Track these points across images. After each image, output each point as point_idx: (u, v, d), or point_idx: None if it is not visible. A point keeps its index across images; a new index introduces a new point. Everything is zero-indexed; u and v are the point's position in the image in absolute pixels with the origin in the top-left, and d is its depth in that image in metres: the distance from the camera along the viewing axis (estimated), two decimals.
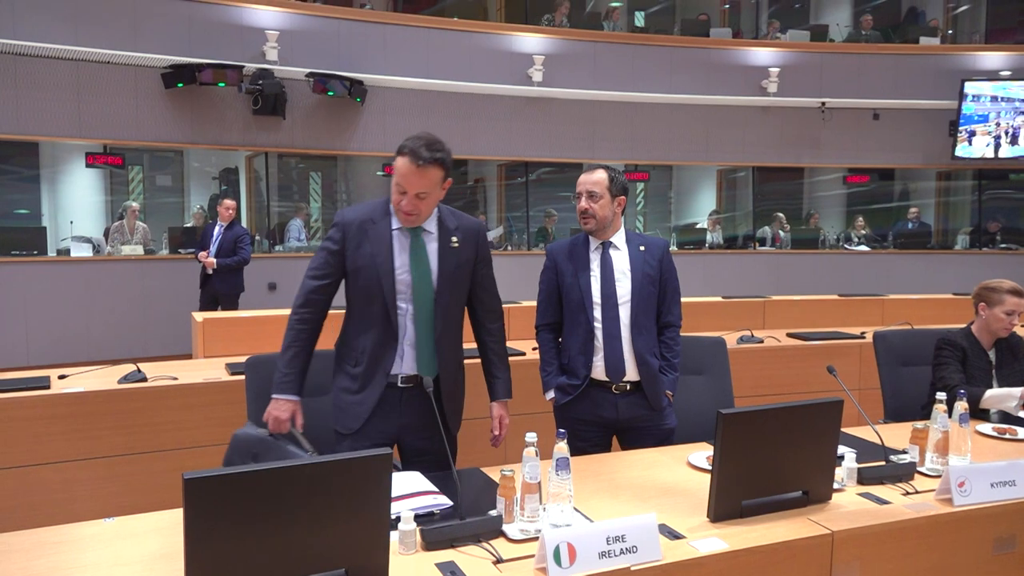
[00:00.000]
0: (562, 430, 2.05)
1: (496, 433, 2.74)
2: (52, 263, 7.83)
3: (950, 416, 2.50)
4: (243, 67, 8.20)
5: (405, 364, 2.56)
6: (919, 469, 2.48)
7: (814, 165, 11.36)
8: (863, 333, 5.35)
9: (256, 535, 1.58)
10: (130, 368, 3.83)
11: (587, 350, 2.83)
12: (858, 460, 2.48)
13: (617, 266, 2.87)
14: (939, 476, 2.35)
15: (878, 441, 2.61)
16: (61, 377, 3.74)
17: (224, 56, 8.20)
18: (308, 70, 8.52)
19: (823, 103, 10.47)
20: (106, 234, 8.59)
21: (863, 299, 7.47)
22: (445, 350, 2.60)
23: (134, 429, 3.62)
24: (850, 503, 2.22)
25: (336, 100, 8.77)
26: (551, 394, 2.90)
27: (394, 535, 1.86)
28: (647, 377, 2.86)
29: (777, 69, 10.29)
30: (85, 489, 3.50)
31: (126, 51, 7.85)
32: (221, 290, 7.39)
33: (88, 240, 8.21)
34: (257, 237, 9.50)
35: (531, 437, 2.02)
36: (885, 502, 2.23)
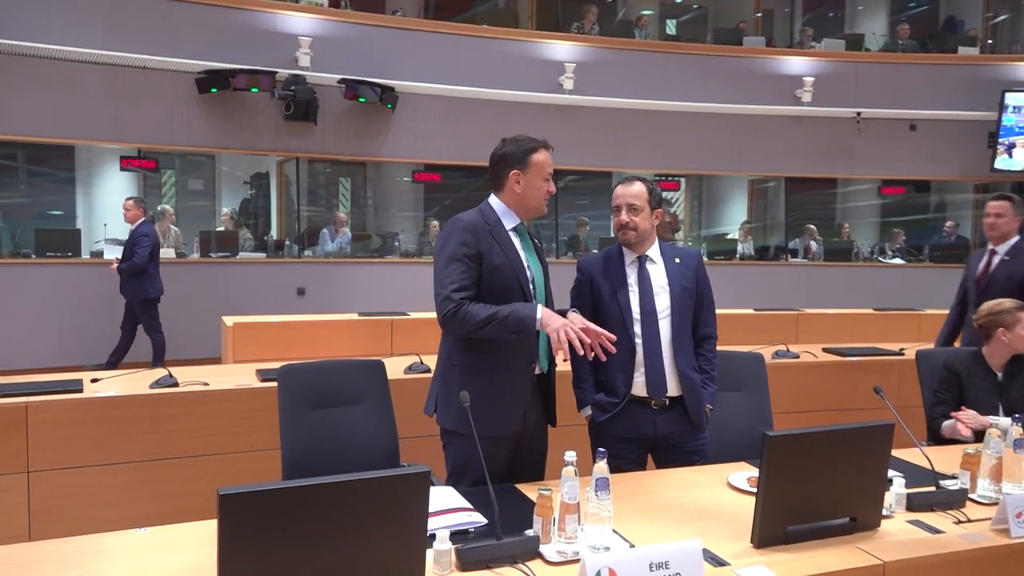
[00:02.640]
0: (602, 449, 1.99)
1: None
2: (85, 265, 7.91)
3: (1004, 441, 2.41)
4: (276, 73, 8.25)
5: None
6: (971, 496, 2.39)
7: (848, 176, 11.19)
8: (902, 349, 5.23)
9: (291, 552, 1.54)
10: (162, 373, 3.83)
11: (627, 367, 2.76)
12: (906, 485, 2.39)
13: (655, 280, 2.81)
14: (993, 504, 2.27)
15: (927, 465, 2.52)
16: (94, 380, 3.75)
17: (257, 62, 8.26)
18: (340, 76, 8.55)
19: (858, 113, 10.31)
20: None
21: (900, 313, 7.33)
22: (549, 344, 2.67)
23: (165, 434, 3.62)
24: (900, 531, 2.14)
25: (367, 106, 8.79)
26: (587, 411, 2.84)
27: (429, 553, 1.81)
28: (689, 392, 2.79)
29: (811, 78, 10.16)
30: (116, 494, 3.50)
31: (161, 56, 7.93)
32: (126, 296, 7.20)
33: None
34: (287, 242, 9.55)
35: (570, 456, 1.96)
36: (937, 531, 2.14)
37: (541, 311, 2.43)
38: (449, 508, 2.19)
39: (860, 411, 4.49)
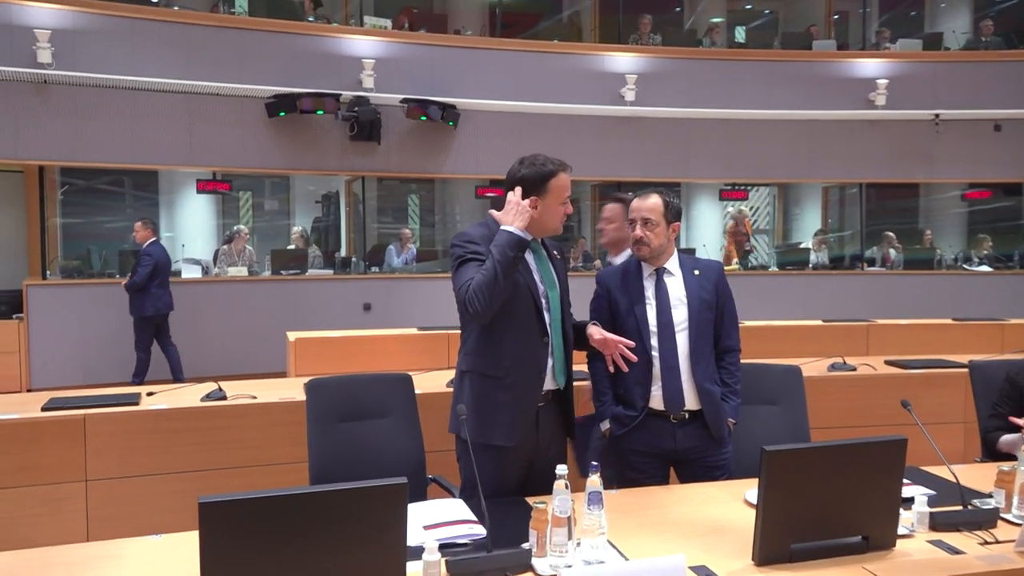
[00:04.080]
0: (594, 463, 1.98)
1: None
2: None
3: None
4: (340, 95, 8.50)
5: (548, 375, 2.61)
6: (1003, 516, 2.26)
7: (927, 181, 10.73)
8: (972, 361, 4.96)
9: (272, 561, 1.59)
10: (213, 387, 3.99)
11: (645, 380, 2.74)
12: (937, 503, 2.28)
13: (673, 293, 2.77)
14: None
15: (964, 483, 2.40)
16: (149, 394, 3.94)
17: (323, 85, 8.53)
18: (402, 96, 8.75)
19: (936, 115, 9.87)
20: (215, 256, 9.04)
21: (980, 324, 6.93)
22: (570, 360, 2.67)
23: (214, 446, 3.76)
24: (917, 551, 2.05)
25: (429, 124, 8.96)
26: (606, 424, 2.82)
27: (419, 565, 1.83)
28: (709, 406, 2.74)
29: (885, 81, 9.79)
30: (166, 502, 3.65)
31: (233, 83, 8.29)
32: (131, 313, 7.44)
33: (198, 262, 8.67)
34: (353, 259, 9.80)
35: (561, 470, 1.96)
36: (957, 551, 2.03)
37: (512, 227, 2.45)
38: (451, 520, 2.20)
39: (913, 426, 4.29)
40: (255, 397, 3.93)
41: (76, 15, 7.80)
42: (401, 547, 1.69)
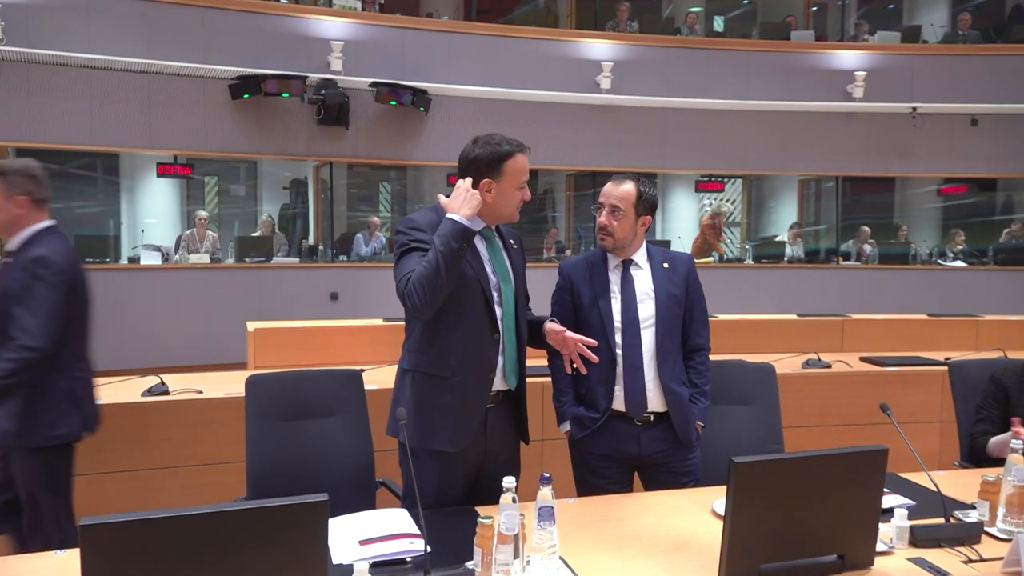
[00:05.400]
0: (546, 475, 1.79)
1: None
2: (121, 271, 8.02)
3: None
4: (307, 77, 8.23)
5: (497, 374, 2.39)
6: (987, 530, 2.10)
7: (904, 175, 10.65)
8: (948, 359, 4.84)
9: None
10: (155, 380, 3.75)
11: (608, 380, 2.55)
12: (917, 515, 2.13)
13: (639, 287, 2.58)
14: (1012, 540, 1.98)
15: (945, 492, 2.24)
16: None
17: (290, 67, 8.25)
18: (371, 80, 8.49)
19: (914, 108, 9.78)
20: (178, 242, 8.75)
21: (955, 320, 6.82)
22: (523, 358, 2.47)
23: (152, 444, 3.53)
24: (897, 570, 1.88)
25: (399, 109, 8.71)
26: (566, 426, 2.63)
27: None
28: (675, 408, 2.56)
29: (863, 73, 9.68)
30: (97, 505, 3.41)
31: (196, 63, 7.98)
32: None
33: (157, 248, 8.38)
34: (321, 247, 9.54)
35: (509, 482, 1.76)
36: (941, 572, 1.87)
37: (458, 215, 2.21)
38: (391, 534, 2.01)
39: (889, 425, 4.16)
40: (200, 392, 3.71)
41: None
42: (320, 571, 1.49)
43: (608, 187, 2.62)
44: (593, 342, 2.36)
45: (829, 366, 4.59)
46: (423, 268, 2.18)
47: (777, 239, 10.75)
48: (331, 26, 8.57)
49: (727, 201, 11.59)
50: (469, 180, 2.30)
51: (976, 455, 3.05)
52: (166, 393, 3.64)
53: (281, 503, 1.46)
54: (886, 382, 4.54)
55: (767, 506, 1.78)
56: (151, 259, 8.19)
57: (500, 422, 2.40)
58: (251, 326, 5.90)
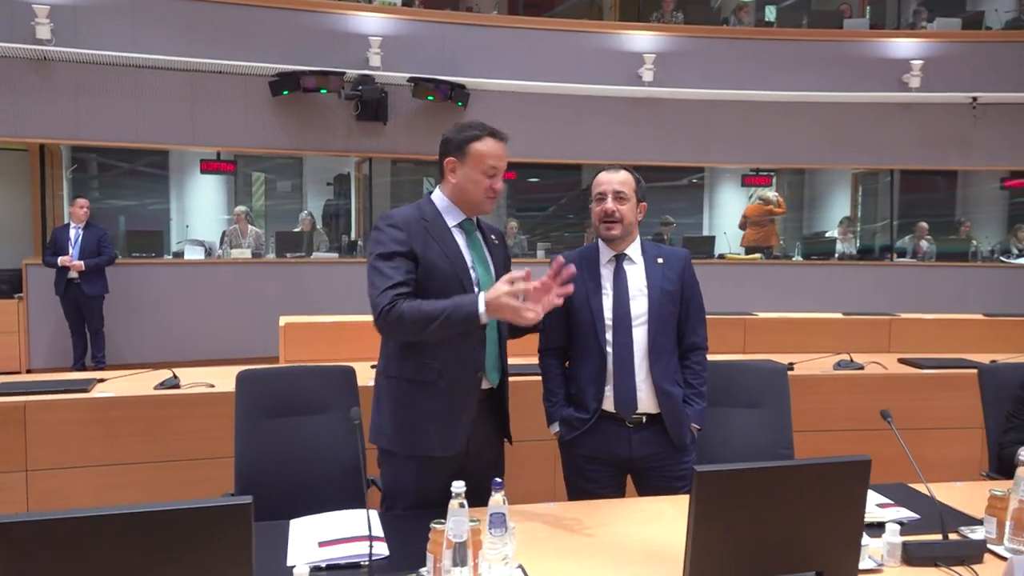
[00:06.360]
0: (498, 480, 1.72)
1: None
2: (165, 265, 8.18)
3: None
4: (344, 73, 8.26)
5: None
6: (993, 548, 1.94)
7: (962, 168, 10.18)
8: (994, 362, 4.57)
9: None
10: (168, 374, 3.79)
11: (599, 379, 2.45)
12: (919, 530, 1.98)
13: (632, 283, 2.48)
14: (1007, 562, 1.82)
15: (951, 505, 2.09)
16: (101, 381, 3.75)
17: (329, 63, 8.30)
18: (409, 75, 8.48)
19: (974, 98, 9.32)
20: (222, 238, 8.90)
21: (1012, 320, 6.49)
22: (504, 355, 2.40)
23: (163, 436, 3.56)
24: None
25: (438, 105, 8.68)
26: (555, 427, 2.54)
27: None
28: (668, 409, 2.45)
29: (920, 62, 9.27)
30: (112, 495, 3.47)
31: (236, 60, 8.09)
32: (90, 292, 7.17)
33: (201, 243, 8.53)
34: (360, 242, 9.60)
35: (458, 486, 1.69)
36: None
37: (483, 302, 2.06)
38: (348, 537, 1.95)
39: (916, 431, 3.95)
40: (213, 385, 3.73)
41: None
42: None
43: (604, 176, 2.53)
44: (571, 270, 2.12)
45: (862, 367, 4.37)
46: (418, 315, 2.11)
47: (827, 235, 10.38)
48: (370, 22, 8.59)
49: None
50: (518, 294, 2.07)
51: (1006, 465, 2.85)
52: (177, 387, 3.67)
53: (201, 504, 1.41)
54: (923, 385, 4.31)
55: (736, 520, 1.66)
56: (194, 254, 8.35)
57: (482, 421, 2.33)
58: (283, 320, 5.96)
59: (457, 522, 1.66)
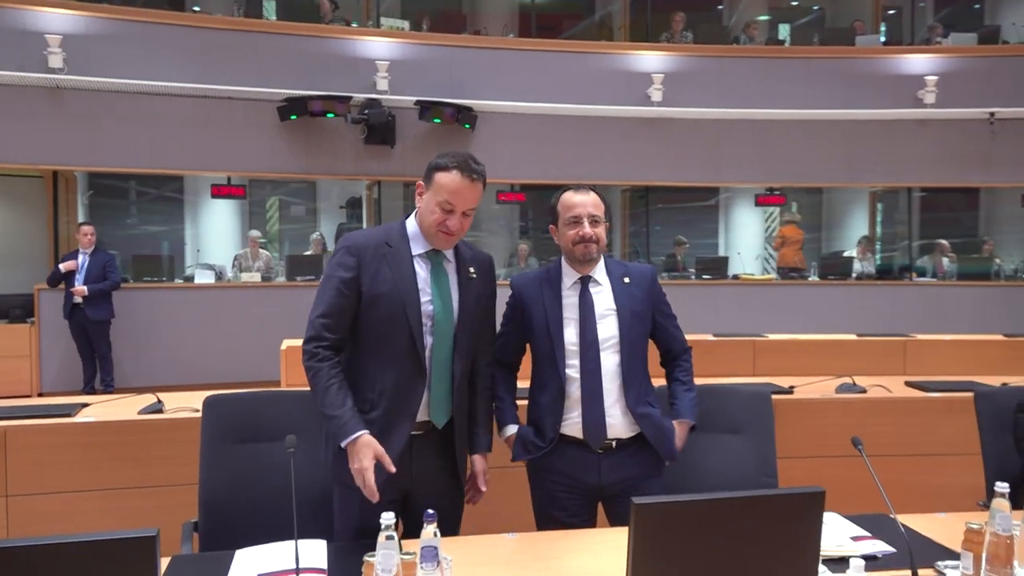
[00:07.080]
0: (430, 512, 1.65)
1: (483, 490, 2.38)
2: (173, 289, 8.24)
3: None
4: (351, 97, 8.31)
5: (422, 407, 2.26)
6: None
7: (980, 185, 9.96)
8: (978, 389, 4.41)
9: None
10: (152, 399, 3.77)
11: (555, 410, 2.38)
12: (893, 565, 1.87)
13: (600, 305, 2.40)
14: None
15: (931, 537, 1.98)
16: (86, 405, 3.74)
17: (337, 87, 8.36)
18: (415, 98, 8.51)
19: (992, 114, 9.14)
20: (234, 261, 8.95)
21: None
22: (460, 394, 2.30)
23: (147, 461, 3.53)
24: None
25: (446, 128, 8.70)
26: (511, 430, 2.45)
27: None
28: (651, 430, 2.39)
29: (935, 78, 9.13)
30: (90, 522, 3.44)
31: (246, 86, 8.18)
32: (94, 317, 7.21)
33: (211, 267, 8.59)
34: None
35: (387, 518, 1.62)
36: None
37: (358, 441, 2.09)
38: (289, 569, 1.88)
39: (918, 456, 3.81)
40: (197, 410, 3.69)
41: (87, 20, 7.80)
42: None
43: (577, 198, 2.46)
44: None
45: (864, 391, 4.24)
46: (320, 389, 2.18)
47: (845, 254, 10.20)
48: (378, 46, 8.66)
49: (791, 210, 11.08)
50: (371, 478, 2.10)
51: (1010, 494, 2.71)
52: (160, 411, 3.64)
53: (103, 537, 1.36)
54: (927, 409, 4.16)
55: (680, 556, 1.57)
56: (204, 278, 8.40)
57: (428, 452, 2.25)
58: (285, 344, 5.95)
59: (385, 555, 1.59)
